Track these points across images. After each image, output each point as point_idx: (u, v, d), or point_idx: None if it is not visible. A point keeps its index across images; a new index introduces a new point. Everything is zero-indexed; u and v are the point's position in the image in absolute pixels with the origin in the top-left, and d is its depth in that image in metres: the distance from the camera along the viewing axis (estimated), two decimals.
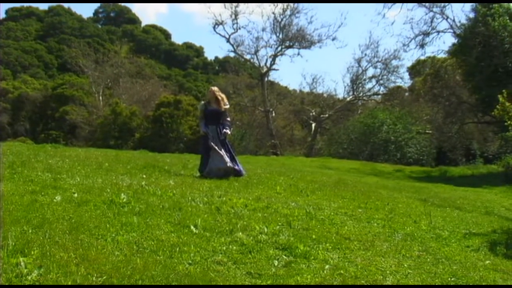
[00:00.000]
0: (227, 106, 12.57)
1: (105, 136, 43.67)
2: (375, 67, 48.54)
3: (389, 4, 37.89)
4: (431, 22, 36.58)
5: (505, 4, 28.40)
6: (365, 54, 48.18)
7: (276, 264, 5.32)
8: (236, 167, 12.23)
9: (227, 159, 11.92)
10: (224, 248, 5.59)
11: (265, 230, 6.53)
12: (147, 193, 8.11)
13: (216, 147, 11.87)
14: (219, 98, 12.26)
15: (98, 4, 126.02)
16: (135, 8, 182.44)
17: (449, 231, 8.28)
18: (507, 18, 27.10)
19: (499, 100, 14.61)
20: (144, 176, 10.87)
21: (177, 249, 5.29)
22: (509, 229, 9.32)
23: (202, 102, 13.05)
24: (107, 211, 6.53)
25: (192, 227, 6.21)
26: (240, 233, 6.18)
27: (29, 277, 4.10)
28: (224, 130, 12.21)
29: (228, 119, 12.61)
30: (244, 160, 19.97)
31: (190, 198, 8.09)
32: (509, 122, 14.10)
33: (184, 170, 13.07)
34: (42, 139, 48.07)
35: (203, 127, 12.17)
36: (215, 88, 12.75)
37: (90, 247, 4.93)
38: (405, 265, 5.86)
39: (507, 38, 26.60)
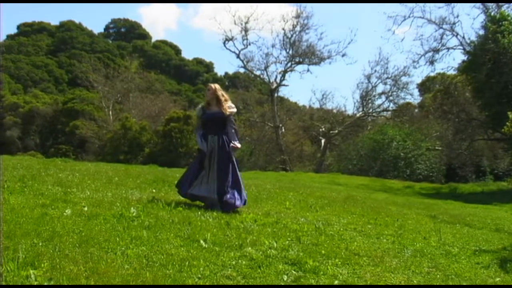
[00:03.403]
0: (234, 110, 9.37)
1: (115, 150, 43.78)
2: (385, 84, 48.40)
3: (399, 21, 38.07)
4: (441, 39, 36.74)
5: None
6: (375, 71, 48.04)
7: (285, 279, 5.30)
8: (228, 197, 8.88)
9: (213, 188, 8.87)
10: (234, 262, 5.57)
11: (275, 245, 6.51)
12: (157, 207, 8.12)
13: (210, 170, 8.94)
14: (221, 98, 9.21)
15: (109, 20, 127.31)
16: (145, 23, 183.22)
17: (459, 248, 8.24)
18: None
19: (509, 117, 14.57)
20: (154, 190, 10.90)
21: (187, 263, 5.28)
22: None
23: (200, 105, 9.71)
24: (117, 225, 6.54)
25: (201, 241, 6.20)
26: (250, 248, 6.17)
27: None
28: (232, 143, 9.12)
29: (235, 126, 9.41)
30: (253, 176, 19.98)
31: (199, 212, 8.08)
32: None
33: None
34: (52, 153, 48.31)
35: (200, 141, 9.15)
36: (216, 86, 9.46)
37: (100, 261, 4.94)
38: (415, 281, 5.83)
39: None
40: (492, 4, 32.95)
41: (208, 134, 9.08)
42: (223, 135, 9.07)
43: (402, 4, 41.28)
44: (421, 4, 36.57)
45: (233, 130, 9.26)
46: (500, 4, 32.24)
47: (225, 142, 9.04)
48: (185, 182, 9.16)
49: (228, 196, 8.86)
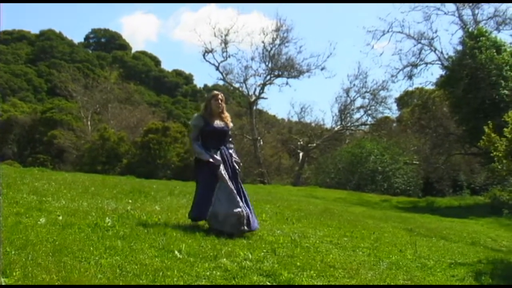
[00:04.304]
0: (231, 125, 8.71)
1: (93, 161, 43.47)
2: (363, 98, 48.55)
3: (378, 35, 38.43)
4: (419, 53, 37.25)
5: (492, 37, 28.79)
6: (354, 85, 48.17)
7: None
8: (251, 217, 8.00)
9: (241, 201, 7.97)
10: (208, 273, 5.55)
11: (250, 256, 6.50)
12: (132, 218, 8.07)
13: (228, 180, 7.98)
14: (223, 109, 8.52)
15: (89, 29, 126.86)
16: (125, 34, 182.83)
17: (434, 261, 8.29)
18: (494, 51, 27.45)
19: (485, 131, 14.69)
20: (130, 201, 10.84)
21: (161, 273, 5.25)
22: (494, 260, 9.35)
23: (197, 114, 8.65)
24: (91, 235, 6.49)
25: (176, 252, 6.17)
26: (224, 259, 6.15)
27: None
28: (235, 159, 8.33)
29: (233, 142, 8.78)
30: None
31: (175, 223, 8.05)
32: (495, 153, 14.13)
33: (170, 196, 13.00)
34: (29, 163, 47.84)
35: (205, 153, 8.05)
36: (222, 96, 8.55)
37: (73, 270, 4.90)
38: None
39: (494, 71, 26.87)
40: (469, 19, 33.44)
41: (210, 148, 8.13)
42: (224, 150, 8.27)
43: (381, 19, 41.65)
44: (400, 19, 37.35)
45: (231, 145, 8.56)
46: (478, 20, 32.68)
47: (229, 158, 8.23)
48: (200, 202, 8.00)
49: (251, 217, 8.00)
